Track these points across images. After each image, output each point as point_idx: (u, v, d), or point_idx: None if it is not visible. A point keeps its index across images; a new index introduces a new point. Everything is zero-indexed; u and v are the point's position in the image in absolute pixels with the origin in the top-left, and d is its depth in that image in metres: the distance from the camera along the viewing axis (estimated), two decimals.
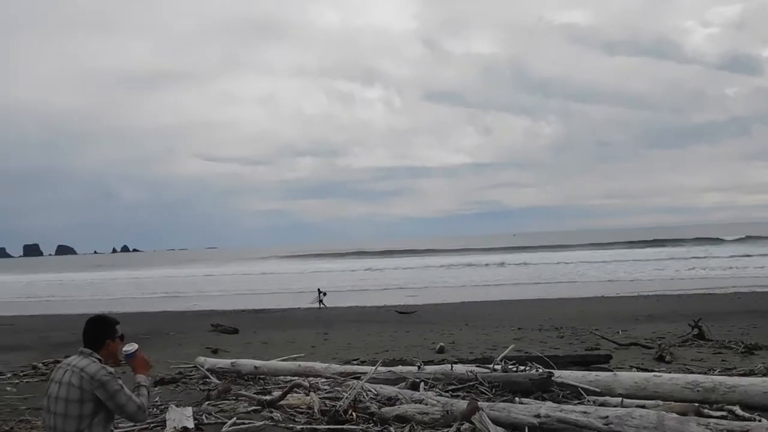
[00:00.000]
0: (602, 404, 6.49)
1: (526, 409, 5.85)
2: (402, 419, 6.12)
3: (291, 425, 6.25)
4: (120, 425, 6.23)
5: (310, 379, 8.29)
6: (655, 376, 7.05)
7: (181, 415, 6.24)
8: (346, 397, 6.59)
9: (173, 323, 19.54)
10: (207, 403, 7.28)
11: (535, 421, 5.58)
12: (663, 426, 4.96)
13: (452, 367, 7.84)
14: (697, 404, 6.15)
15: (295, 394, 7.24)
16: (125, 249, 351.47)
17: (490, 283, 34.86)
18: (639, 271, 38.24)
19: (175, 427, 5.96)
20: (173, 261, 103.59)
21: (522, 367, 7.59)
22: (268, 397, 7.08)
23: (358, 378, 7.68)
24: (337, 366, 9.09)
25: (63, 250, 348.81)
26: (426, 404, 6.47)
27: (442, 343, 12.67)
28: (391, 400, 6.81)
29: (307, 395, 7.01)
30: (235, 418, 6.36)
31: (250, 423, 6.25)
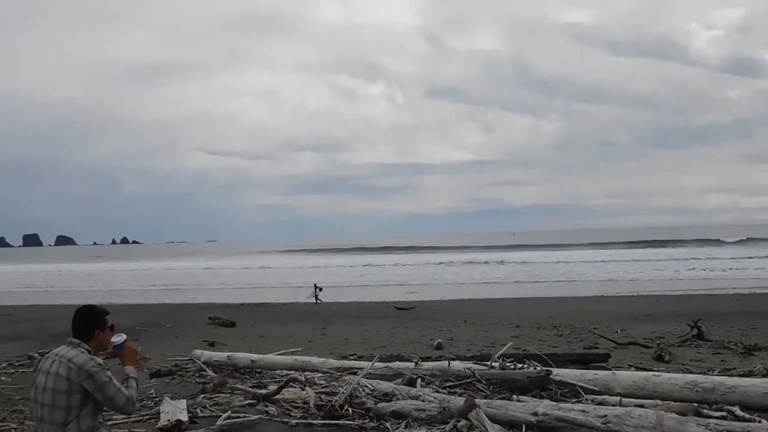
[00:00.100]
0: (600, 403, 6.43)
1: (523, 407, 5.79)
2: (398, 415, 6.07)
3: (286, 420, 6.20)
4: (113, 417, 6.20)
5: (307, 373, 8.24)
6: (654, 375, 6.99)
7: (175, 408, 6.19)
8: (342, 393, 6.54)
9: (171, 316, 19.48)
10: (202, 396, 7.23)
11: (533, 419, 5.53)
12: (662, 426, 4.90)
13: (449, 363, 7.78)
14: (696, 404, 6.09)
15: (291, 389, 7.19)
16: (125, 241, 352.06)
17: (490, 281, 34.81)
18: (639, 271, 38.20)
19: (169, 420, 5.90)
20: (173, 253, 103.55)
21: (520, 365, 7.54)
22: (263, 391, 7.03)
23: (354, 373, 7.64)
24: (334, 361, 9.04)
25: (63, 240, 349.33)
26: (423, 401, 6.41)
27: (439, 340, 12.62)
28: (388, 396, 6.76)
29: (303, 390, 6.96)
30: (229, 412, 6.32)
31: (245, 417, 6.20)
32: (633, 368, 8.90)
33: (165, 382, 9.09)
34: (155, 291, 33.74)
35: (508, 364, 7.55)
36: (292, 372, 8.46)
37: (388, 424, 5.91)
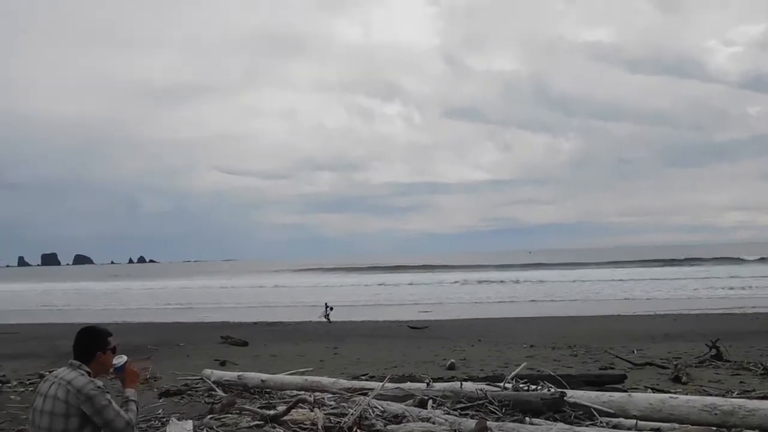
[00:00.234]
0: (615, 426, 6.26)
1: (536, 431, 5.64)
2: None
3: None
4: None
5: (316, 394, 8.12)
6: (671, 397, 6.79)
7: (181, 429, 6.10)
8: (352, 414, 6.42)
9: (184, 334, 19.46)
10: (210, 416, 7.13)
11: None
12: None
13: (461, 384, 7.62)
14: (714, 428, 5.90)
15: (300, 410, 7.08)
16: (142, 260, 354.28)
17: (504, 300, 34.54)
18: (656, 289, 37.74)
19: None
20: (189, 272, 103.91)
21: (533, 386, 7.37)
22: (271, 412, 6.92)
23: (365, 394, 7.50)
24: (345, 381, 8.91)
25: (80, 259, 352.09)
26: (433, 423, 6.27)
27: (452, 360, 12.46)
28: (398, 418, 6.62)
29: (312, 411, 6.85)
30: None
31: None
32: (649, 390, 8.72)
33: (174, 401, 9.01)
34: (170, 310, 33.79)
35: (521, 386, 7.38)
36: (302, 392, 8.35)
37: None
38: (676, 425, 6.07)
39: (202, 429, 6.48)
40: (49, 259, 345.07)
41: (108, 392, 3.68)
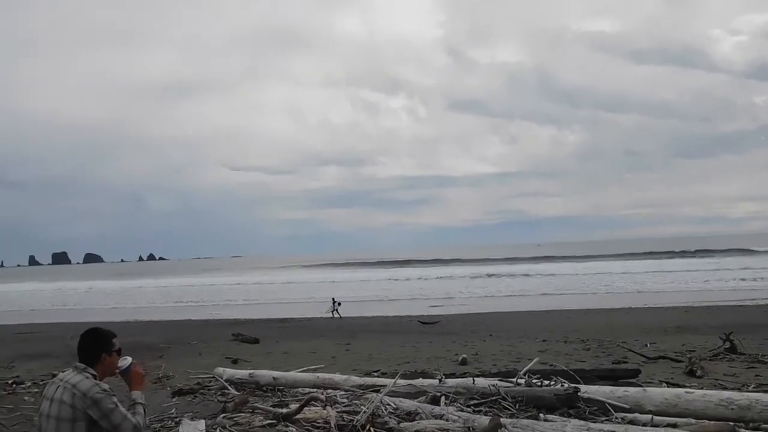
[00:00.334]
0: (631, 422, 6.20)
1: (551, 427, 5.59)
2: None
3: None
4: None
5: (329, 391, 8.10)
6: (686, 392, 6.73)
7: (194, 430, 6.08)
8: (364, 412, 6.37)
9: (196, 332, 19.51)
10: (223, 415, 7.11)
11: None
12: None
13: (474, 380, 7.58)
14: (732, 423, 5.83)
15: (312, 407, 7.04)
16: (151, 257, 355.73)
17: (515, 294, 34.48)
18: (667, 281, 37.59)
19: None
20: (198, 269, 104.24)
21: (547, 382, 7.31)
22: (284, 411, 6.89)
23: (377, 391, 7.46)
24: (357, 378, 8.88)
25: (90, 258, 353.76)
26: (446, 420, 6.22)
27: (464, 355, 12.42)
28: (411, 415, 6.57)
29: (325, 409, 6.82)
30: None
31: None
32: (664, 384, 8.66)
33: (187, 400, 9.02)
34: (180, 307, 33.92)
35: (534, 381, 7.33)
36: (314, 390, 8.33)
37: None
38: (693, 420, 6.00)
39: (215, 428, 6.45)
40: (60, 258, 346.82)
41: (114, 395, 3.60)
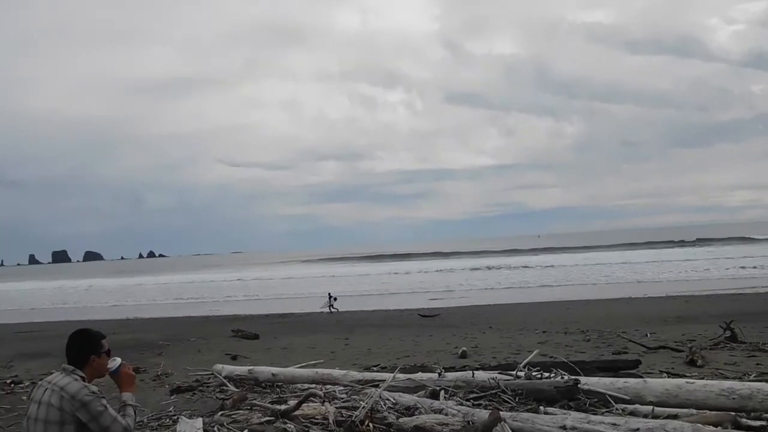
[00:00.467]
0: (632, 413, 6.16)
1: (551, 420, 5.54)
2: (421, 430, 5.84)
3: None
4: None
5: (327, 387, 8.06)
6: (687, 382, 6.68)
7: (191, 428, 6.03)
8: (363, 407, 6.33)
9: (195, 329, 19.47)
10: (221, 413, 7.06)
11: None
12: None
13: (474, 374, 7.53)
14: (734, 413, 5.78)
15: (311, 404, 7.00)
16: (151, 254, 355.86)
17: (515, 286, 34.44)
18: (667, 271, 37.57)
19: None
20: (198, 266, 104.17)
21: (546, 374, 7.27)
22: (282, 407, 6.84)
23: (376, 386, 7.42)
24: (356, 373, 8.84)
25: (90, 256, 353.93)
26: (446, 414, 6.18)
27: (464, 348, 12.37)
28: (410, 410, 6.53)
29: (323, 405, 6.77)
30: (246, 431, 6.13)
31: None
32: (665, 374, 8.62)
33: (185, 398, 8.97)
34: (180, 304, 33.88)
35: (534, 374, 7.29)
36: (313, 386, 8.29)
37: None
38: (694, 411, 5.95)
39: (213, 426, 6.40)
40: (60, 257, 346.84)
41: (104, 397, 3.52)
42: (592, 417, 5.63)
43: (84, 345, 3.64)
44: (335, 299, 24.18)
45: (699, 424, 4.91)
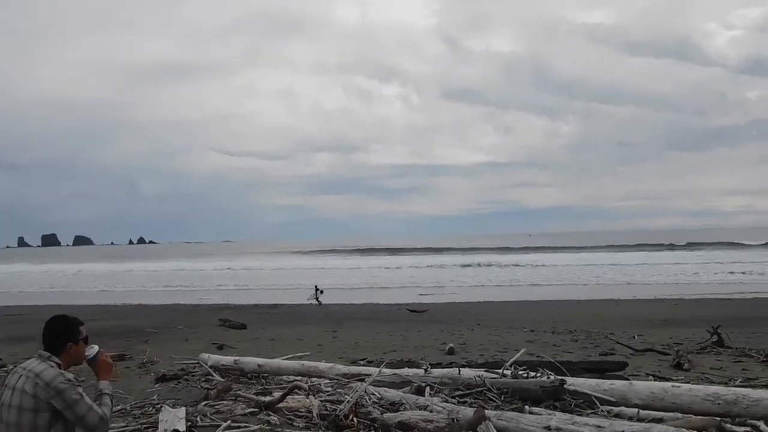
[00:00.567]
0: (617, 415, 6.15)
1: (536, 420, 5.52)
2: (405, 426, 5.82)
3: (288, 430, 5.96)
4: (110, 425, 5.99)
5: (313, 379, 8.03)
6: (673, 386, 6.68)
7: (174, 417, 5.98)
8: (348, 401, 6.30)
9: (183, 317, 19.40)
10: (204, 403, 7.02)
11: None
12: None
13: (460, 371, 7.53)
14: (719, 418, 5.78)
15: (295, 396, 6.97)
16: (141, 241, 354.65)
17: (504, 284, 34.47)
18: (657, 274, 37.65)
19: (166, 430, 5.69)
20: (188, 254, 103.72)
21: (533, 373, 7.26)
22: (266, 399, 6.81)
23: (362, 380, 7.39)
24: (342, 366, 8.81)
25: (80, 240, 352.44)
26: (431, 411, 6.16)
27: (451, 344, 12.36)
28: (395, 405, 6.51)
29: (307, 397, 6.73)
30: (229, 422, 6.09)
31: (245, 427, 5.98)
32: (651, 377, 8.62)
33: (170, 386, 8.93)
34: (169, 292, 33.74)
35: (520, 373, 7.28)
36: (299, 378, 8.26)
37: None
38: (679, 415, 5.95)
39: (196, 416, 6.36)
40: (49, 240, 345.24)
41: (79, 385, 3.43)
42: (577, 418, 5.62)
43: (61, 331, 3.55)
44: (321, 292, 24.12)
45: (684, 429, 4.90)
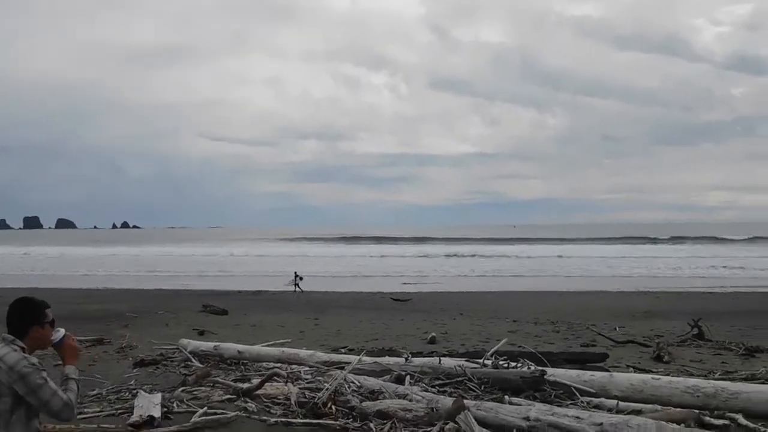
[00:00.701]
0: (597, 406, 6.14)
1: (515, 411, 5.49)
2: (383, 415, 5.77)
3: (265, 418, 5.89)
4: (84, 410, 5.91)
5: (293, 367, 7.96)
6: (653, 378, 6.69)
7: (149, 402, 5.90)
8: (327, 389, 6.24)
9: (165, 302, 19.24)
10: (182, 389, 6.94)
11: (524, 424, 5.22)
12: None
13: (440, 360, 7.49)
14: (697, 411, 5.78)
15: (274, 383, 6.90)
16: (125, 225, 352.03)
17: (488, 274, 34.55)
18: (639, 267, 37.89)
19: (141, 416, 5.60)
20: (173, 239, 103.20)
21: (514, 364, 7.24)
22: (244, 386, 6.73)
23: (342, 368, 7.34)
24: (322, 354, 8.75)
25: (63, 223, 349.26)
26: (410, 400, 6.11)
27: (433, 333, 12.33)
28: (374, 394, 6.46)
29: (286, 385, 6.67)
30: (206, 408, 6.01)
31: (221, 414, 5.90)
32: (631, 369, 8.62)
33: (148, 371, 8.83)
34: (152, 277, 33.55)
35: (501, 363, 7.25)
36: (278, 365, 8.19)
37: (372, 425, 5.61)
38: (659, 407, 5.94)
39: (172, 402, 6.28)
40: (32, 223, 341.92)
41: (44, 369, 3.26)
42: (557, 409, 5.59)
43: (26, 314, 3.40)
44: (301, 279, 24.04)
45: (662, 422, 4.88)
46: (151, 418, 5.59)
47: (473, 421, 5.20)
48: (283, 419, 5.82)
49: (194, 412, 5.90)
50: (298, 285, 23.77)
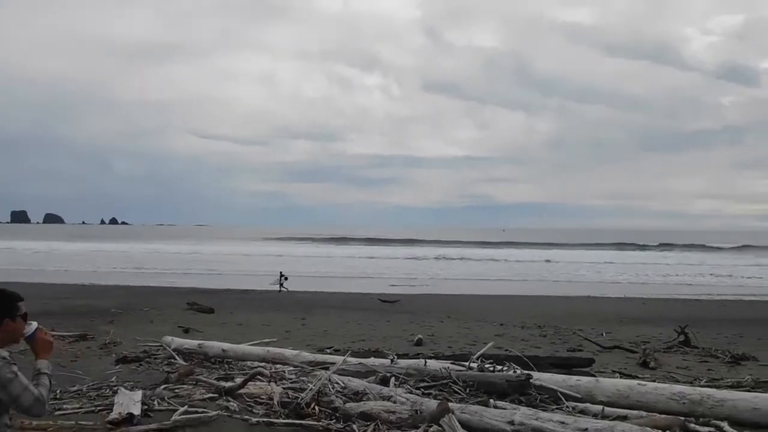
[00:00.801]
0: (582, 411, 6.10)
1: (500, 415, 5.44)
2: (367, 417, 5.71)
3: (247, 417, 5.82)
4: (63, 407, 5.81)
5: (278, 366, 7.89)
6: (639, 384, 6.66)
7: (129, 400, 5.80)
8: (310, 389, 6.17)
9: (151, 299, 19.08)
10: (164, 387, 6.84)
11: (509, 428, 5.18)
12: None
13: (426, 362, 7.44)
14: (682, 418, 5.75)
15: (258, 383, 6.83)
16: (114, 221, 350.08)
17: (476, 277, 34.52)
18: (627, 273, 37.98)
19: (120, 413, 5.51)
20: (161, 236, 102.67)
21: (500, 367, 7.19)
22: (227, 385, 6.65)
23: (326, 368, 7.27)
24: (308, 354, 8.69)
25: (51, 218, 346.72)
26: (394, 402, 6.06)
27: (420, 335, 12.29)
28: (358, 395, 6.40)
29: (269, 384, 6.59)
30: (186, 407, 5.93)
31: (203, 412, 5.82)
32: (617, 374, 8.60)
33: (130, 369, 8.74)
34: (138, 273, 33.33)
35: (487, 366, 7.20)
36: (263, 364, 8.11)
37: (355, 426, 5.55)
38: (644, 413, 5.91)
39: (153, 399, 6.19)
40: (19, 217, 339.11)
41: (15, 364, 3.15)
42: (542, 414, 5.55)
43: None
44: (286, 278, 23.93)
45: (648, 428, 4.84)
46: (131, 415, 5.50)
47: (457, 424, 5.15)
48: (265, 419, 5.74)
49: (175, 410, 5.82)
50: (282, 285, 23.66)
